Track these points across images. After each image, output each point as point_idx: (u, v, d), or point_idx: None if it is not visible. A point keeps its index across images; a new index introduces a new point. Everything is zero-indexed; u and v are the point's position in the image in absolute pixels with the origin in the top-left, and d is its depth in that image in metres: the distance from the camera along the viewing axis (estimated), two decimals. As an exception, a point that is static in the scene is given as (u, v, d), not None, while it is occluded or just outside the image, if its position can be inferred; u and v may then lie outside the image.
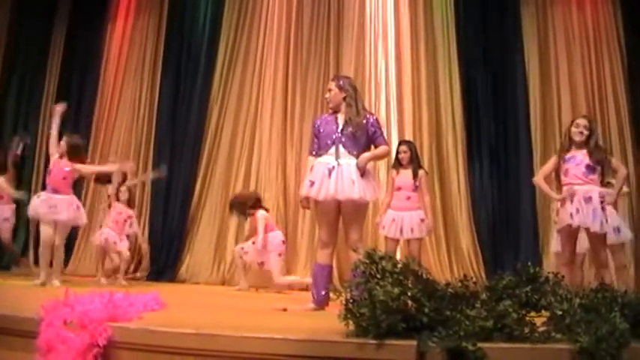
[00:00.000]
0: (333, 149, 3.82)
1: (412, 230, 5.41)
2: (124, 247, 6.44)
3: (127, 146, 8.51)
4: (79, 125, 8.79)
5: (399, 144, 5.60)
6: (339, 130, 3.86)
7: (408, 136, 7.55)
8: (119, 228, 6.49)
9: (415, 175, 5.45)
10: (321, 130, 3.93)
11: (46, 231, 5.21)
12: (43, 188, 8.48)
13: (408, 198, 5.43)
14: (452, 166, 7.51)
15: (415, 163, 5.53)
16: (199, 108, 8.20)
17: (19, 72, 9.01)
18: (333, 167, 3.74)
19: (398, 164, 5.51)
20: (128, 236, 6.64)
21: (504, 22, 7.78)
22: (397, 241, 5.56)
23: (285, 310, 3.49)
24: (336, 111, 3.96)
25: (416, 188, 5.46)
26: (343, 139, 3.83)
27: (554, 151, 7.14)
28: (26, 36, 9.00)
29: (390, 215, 5.49)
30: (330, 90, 4.00)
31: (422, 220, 5.46)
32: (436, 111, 7.67)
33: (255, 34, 8.29)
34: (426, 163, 7.41)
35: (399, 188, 5.47)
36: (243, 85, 8.17)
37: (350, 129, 3.83)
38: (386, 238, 5.56)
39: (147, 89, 8.62)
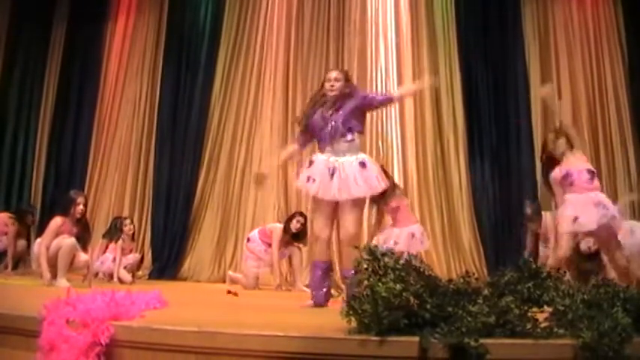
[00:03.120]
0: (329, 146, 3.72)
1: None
2: (125, 276, 6.31)
3: (128, 145, 8.53)
4: (80, 125, 8.82)
5: None
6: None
7: (410, 134, 7.59)
8: (119, 260, 6.35)
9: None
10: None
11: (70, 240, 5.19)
12: (44, 188, 8.63)
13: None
14: (453, 162, 7.51)
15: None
16: (200, 106, 8.20)
17: (20, 72, 9.01)
18: (335, 167, 3.63)
19: None
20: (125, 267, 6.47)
21: (505, 19, 7.78)
22: None
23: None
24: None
25: (395, 210, 5.53)
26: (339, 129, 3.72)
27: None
28: (26, 36, 9.01)
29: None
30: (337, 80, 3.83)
31: (412, 237, 5.51)
32: (437, 108, 7.67)
33: (256, 32, 8.29)
34: (427, 160, 7.43)
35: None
36: (244, 83, 8.18)
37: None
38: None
39: (148, 88, 8.63)
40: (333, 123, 3.71)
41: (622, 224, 4.75)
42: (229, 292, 3.24)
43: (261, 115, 8.03)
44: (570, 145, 4.20)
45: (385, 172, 4.80)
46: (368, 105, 3.92)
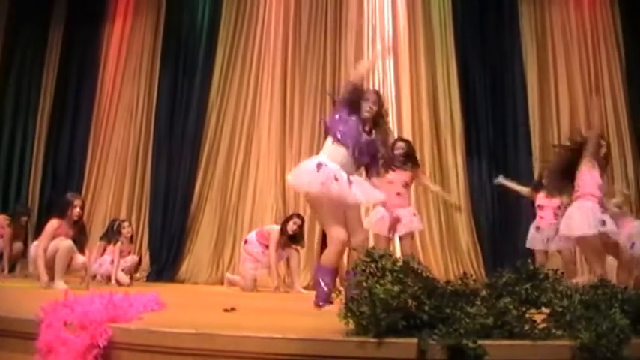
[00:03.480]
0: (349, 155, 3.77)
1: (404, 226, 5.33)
2: (122, 278, 6.32)
3: (125, 147, 8.52)
4: (77, 127, 8.81)
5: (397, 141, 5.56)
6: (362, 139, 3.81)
7: (407, 135, 7.56)
8: (117, 262, 6.37)
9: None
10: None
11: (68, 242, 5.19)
12: (41, 190, 8.61)
13: (398, 194, 5.30)
14: (451, 164, 7.53)
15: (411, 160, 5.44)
16: (198, 108, 8.20)
17: (17, 73, 9.01)
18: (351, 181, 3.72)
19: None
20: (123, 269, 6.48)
21: (502, 20, 7.81)
22: (389, 239, 5.45)
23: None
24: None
25: (406, 185, 5.38)
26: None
27: (552, 148, 7.16)
28: (24, 37, 9.01)
29: (379, 213, 5.33)
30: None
31: (414, 215, 5.44)
32: (434, 109, 7.68)
33: (253, 34, 8.30)
34: (425, 161, 7.43)
35: (391, 182, 5.29)
36: (241, 85, 8.17)
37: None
38: (376, 235, 5.50)
39: (145, 90, 8.62)
40: (361, 152, 3.80)
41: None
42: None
43: (259, 117, 8.03)
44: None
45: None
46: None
